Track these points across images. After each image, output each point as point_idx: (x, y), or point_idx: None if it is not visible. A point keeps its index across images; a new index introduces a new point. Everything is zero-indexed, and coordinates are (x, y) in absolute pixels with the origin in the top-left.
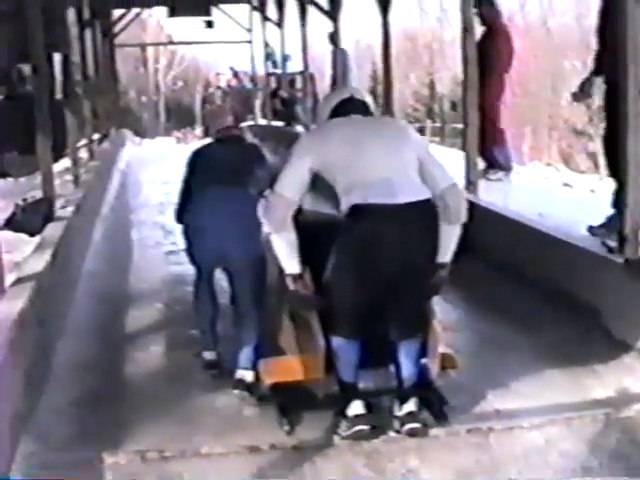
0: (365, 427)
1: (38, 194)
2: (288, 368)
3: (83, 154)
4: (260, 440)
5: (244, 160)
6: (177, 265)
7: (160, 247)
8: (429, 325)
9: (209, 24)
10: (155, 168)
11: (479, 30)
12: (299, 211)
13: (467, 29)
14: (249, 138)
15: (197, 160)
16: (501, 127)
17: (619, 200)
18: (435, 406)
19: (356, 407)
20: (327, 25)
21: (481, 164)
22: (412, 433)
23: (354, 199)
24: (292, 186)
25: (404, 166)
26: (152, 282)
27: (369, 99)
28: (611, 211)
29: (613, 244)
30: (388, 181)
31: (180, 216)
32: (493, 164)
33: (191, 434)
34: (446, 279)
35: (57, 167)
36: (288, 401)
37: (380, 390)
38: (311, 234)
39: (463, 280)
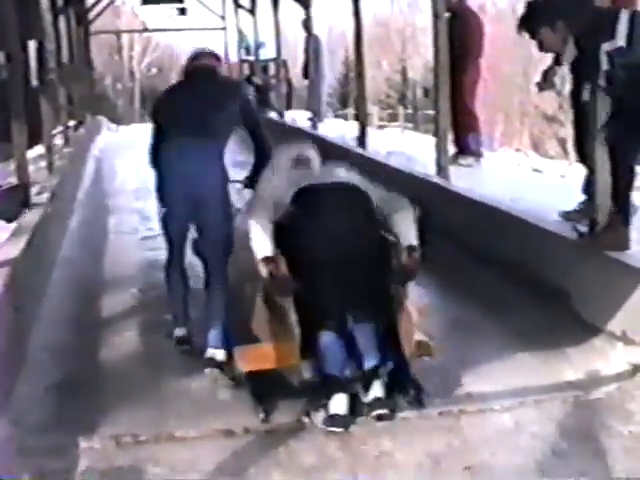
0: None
1: (13, 181)
2: (263, 355)
3: (58, 141)
4: (234, 424)
5: (213, 101)
6: (153, 251)
7: (136, 233)
8: (394, 310)
9: (182, 11)
10: (131, 154)
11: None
12: None
13: (437, 15)
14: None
15: (163, 105)
16: (476, 113)
17: (589, 186)
18: (410, 393)
19: (339, 402)
20: (300, 12)
21: (452, 150)
22: (379, 418)
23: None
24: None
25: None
26: (128, 268)
27: (314, 154)
28: (583, 197)
29: (584, 229)
30: None
31: (154, 161)
32: (464, 150)
33: (165, 418)
34: (418, 262)
35: (31, 154)
36: (263, 388)
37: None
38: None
39: (433, 264)
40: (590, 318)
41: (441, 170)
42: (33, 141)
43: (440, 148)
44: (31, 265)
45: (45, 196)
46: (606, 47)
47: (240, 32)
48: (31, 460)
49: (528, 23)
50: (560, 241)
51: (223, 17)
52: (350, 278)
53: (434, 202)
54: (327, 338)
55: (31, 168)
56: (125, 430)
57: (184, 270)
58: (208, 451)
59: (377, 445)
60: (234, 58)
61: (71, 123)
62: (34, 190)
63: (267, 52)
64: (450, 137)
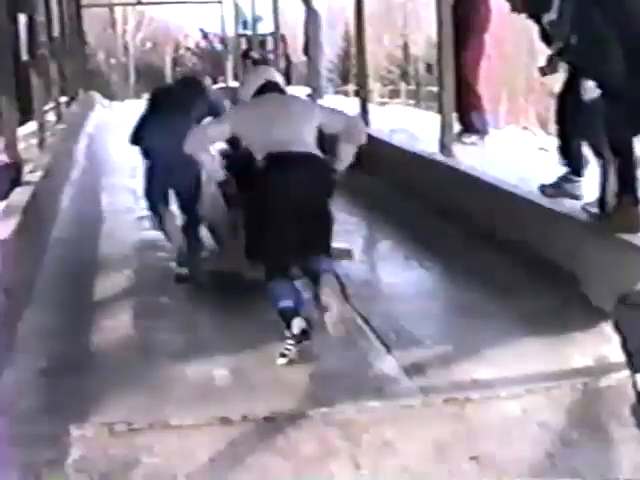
0: (308, 341)
1: (3, 158)
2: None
3: (50, 117)
4: (231, 411)
5: (186, 94)
6: (147, 231)
7: (131, 212)
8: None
9: None
10: (125, 131)
11: None
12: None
13: None
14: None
15: (153, 99)
16: (479, 91)
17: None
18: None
19: (298, 323)
20: None
21: (456, 127)
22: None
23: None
24: (211, 131)
25: (301, 133)
26: (122, 248)
27: (280, 79)
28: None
29: (594, 209)
30: (287, 142)
31: (134, 140)
32: (469, 128)
33: (160, 405)
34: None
35: (23, 130)
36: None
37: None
38: None
39: (434, 246)
40: (599, 302)
41: (444, 148)
42: (24, 118)
43: (444, 126)
44: (22, 246)
45: (37, 174)
46: (545, 19)
47: (236, 5)
48: (20, 449)
49: None
50: (568, 222)
51: None
52: (304, 219)
53: (437, 181)
54: (279, 276)
55: (22, 145)
56: (119, 418)
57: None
58: (205, 440)
59: (379, 434)
60: (231, 32)
61: (63, 99)
62: (26, 168)
63: (264, 26)
64: (454, 115)
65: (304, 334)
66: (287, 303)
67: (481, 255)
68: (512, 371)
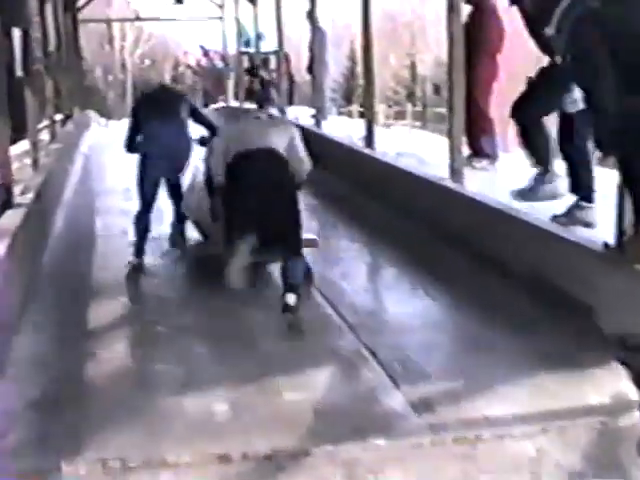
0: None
1: None
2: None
3: (44, 136)
4: (231, 448)
5: (170, 98)
6: (144, 256)
7: (126, 236)
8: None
9: None
10: (121, 151)
11: (465, 9)
12: None
13: (453, 8)
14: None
15: (140, 106)
16: (490, 116)
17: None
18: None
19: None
20: (301, 3)
21: (465, 151)
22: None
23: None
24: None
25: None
26: (117, 274)
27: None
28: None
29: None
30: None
31: (129, 148)
32: (478, 152)
33: (156, 441)
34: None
35: (15, 150)
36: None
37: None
38: None
39: (445, 275)
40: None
41: (455, 173)
42: (17, 136)
43: (453, 150)
44: (12, 271)
45: (29, 196)
46: (546, 32)
47: (238, 22)
48: None
49: None
50: (584, 252)
51: (221, 6)
52: (269, 205)
53: (447, 208)
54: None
55: (15, 165)
56: (112, 454)
57: (149, 217)
58: (202, 478)
59: (385, 474)
60: (232, 50)
61: (58, 117)
62: (17, 189)
63: (267, 44)
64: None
65: None
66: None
67: (491, 284)
68: (525, 408)
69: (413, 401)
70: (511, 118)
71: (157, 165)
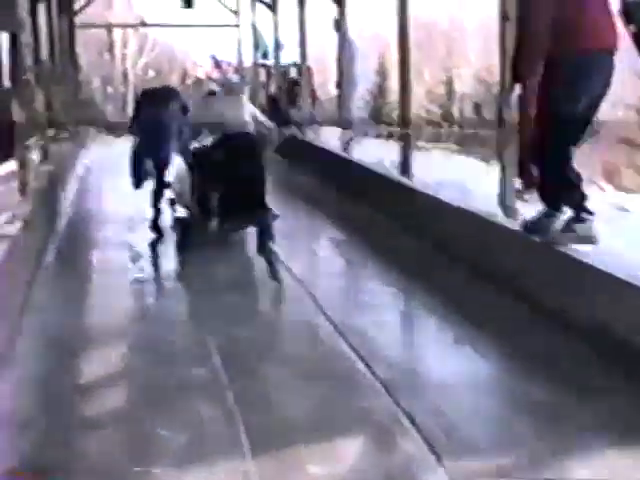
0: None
1: None
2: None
3: (34, 155)
4: None
5: (166, 94)
6: (145, 297)
7: (125, 274)
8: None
9: (188, 3)
10: (122, 174)
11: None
12: None
13: (506, 17)
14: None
15: (143, 97)
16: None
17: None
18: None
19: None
20: (324, 10)
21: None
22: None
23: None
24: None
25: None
26: (115, 320)
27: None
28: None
29: None
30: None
31: (130, 129)
32: (530, 183)
33: None
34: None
35: (1, 170)
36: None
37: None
38: None
39: (499, 327)
40: None
41: (507, 209)
42: (3, 155)
43: (505, 182)
44: None
45: (16, 226)
46: None
47: (255, 30)
48: None
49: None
50: None
51: (236, 12)
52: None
53: (495, 247)
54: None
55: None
56: None
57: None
58: None
59: None
60: (248, 61)
61: (50, 133)
62: (2, 218)
63: (286, 55)
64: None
65: None
66: None
67: (546, 337)
68: None
69: (458, 479)
70: None
71: (147, 143)
